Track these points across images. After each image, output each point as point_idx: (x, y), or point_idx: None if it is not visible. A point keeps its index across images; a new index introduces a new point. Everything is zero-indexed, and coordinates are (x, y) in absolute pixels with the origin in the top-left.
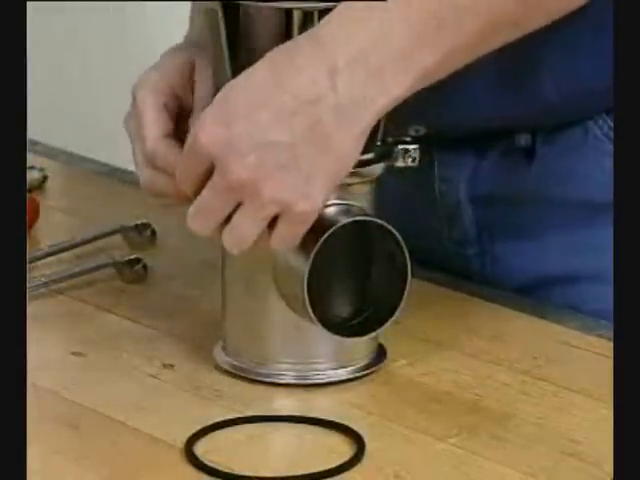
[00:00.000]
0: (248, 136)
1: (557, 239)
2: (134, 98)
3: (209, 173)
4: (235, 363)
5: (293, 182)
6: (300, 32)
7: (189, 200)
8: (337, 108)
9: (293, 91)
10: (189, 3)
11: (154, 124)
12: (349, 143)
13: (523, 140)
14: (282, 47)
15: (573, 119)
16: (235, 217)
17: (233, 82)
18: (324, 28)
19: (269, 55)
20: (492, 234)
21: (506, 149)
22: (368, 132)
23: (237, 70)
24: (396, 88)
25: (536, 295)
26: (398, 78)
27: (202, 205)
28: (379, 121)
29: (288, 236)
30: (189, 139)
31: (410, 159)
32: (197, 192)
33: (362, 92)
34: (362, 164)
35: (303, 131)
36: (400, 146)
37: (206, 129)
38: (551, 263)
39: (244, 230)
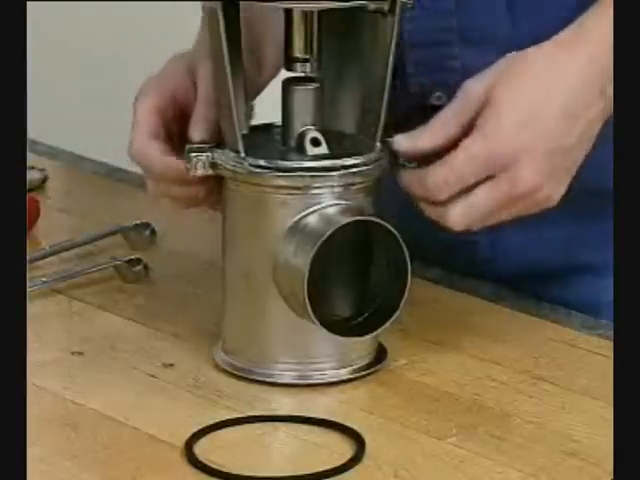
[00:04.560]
0: (541, 141)
1: (572, 228)
2: (134, 104)
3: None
4: (235, 363)
5: (565, 182)
6: (300, 32)
7: (186, 205)
8: (605, 111)
9: (569, 97)
10: (192, 5)
11: (141, 126)
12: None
13: None
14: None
15: None
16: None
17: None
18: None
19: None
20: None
21: None
22: None
23: (237, 70)
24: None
25: (549, 285)
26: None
27: (476, 205)
28: (379, 121)
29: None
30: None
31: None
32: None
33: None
34: (362, 164)
35: (581, 134)
36: None
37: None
38: (565, 252)
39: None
